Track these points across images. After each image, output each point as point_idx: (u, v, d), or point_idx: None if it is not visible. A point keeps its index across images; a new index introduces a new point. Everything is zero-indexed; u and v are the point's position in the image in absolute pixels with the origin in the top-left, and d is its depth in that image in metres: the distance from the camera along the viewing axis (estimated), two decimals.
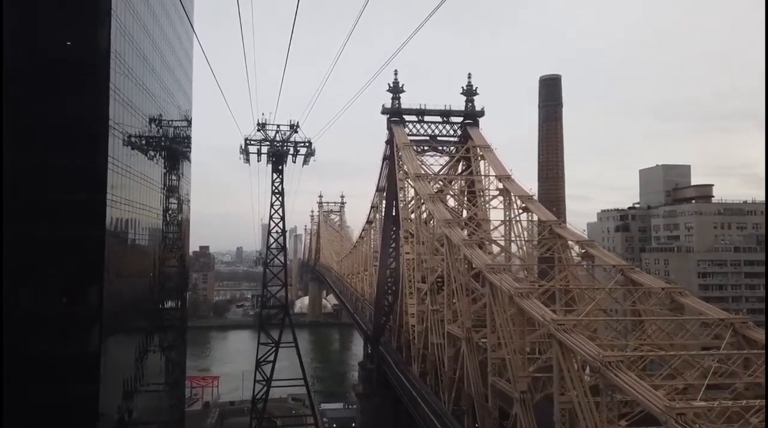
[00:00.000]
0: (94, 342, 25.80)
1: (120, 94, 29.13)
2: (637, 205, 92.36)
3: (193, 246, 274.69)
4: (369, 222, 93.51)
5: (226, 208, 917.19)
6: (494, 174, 60.61)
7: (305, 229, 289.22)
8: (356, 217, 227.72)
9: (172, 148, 49.39)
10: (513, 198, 56.54)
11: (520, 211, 54.41)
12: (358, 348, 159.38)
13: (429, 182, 58.78)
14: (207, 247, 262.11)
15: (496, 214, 62.22)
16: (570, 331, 26.74)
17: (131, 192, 32.88)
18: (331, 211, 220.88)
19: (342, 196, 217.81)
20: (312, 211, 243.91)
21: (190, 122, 58.24)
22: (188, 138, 57.98)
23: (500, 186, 58.64)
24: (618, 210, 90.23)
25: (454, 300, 45.19)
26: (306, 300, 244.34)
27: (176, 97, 49.15)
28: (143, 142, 36.39)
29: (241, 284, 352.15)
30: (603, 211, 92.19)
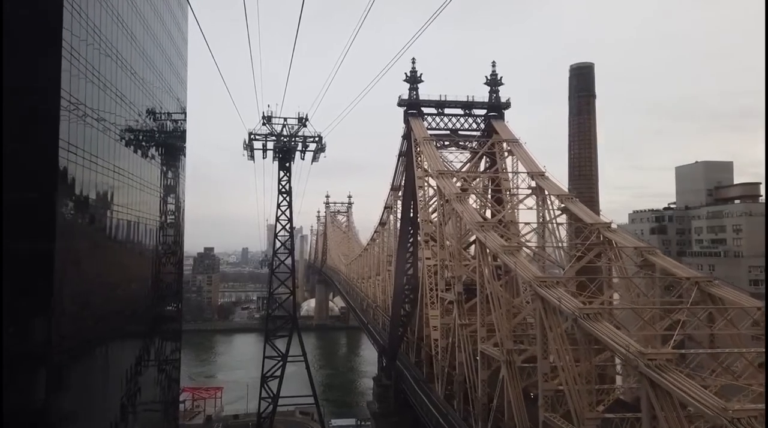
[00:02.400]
0: (38, 391, 19.74)
1: (80, 61, 22.94)
2: (672, 206, 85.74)
3: (198, 247, 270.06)
4: (382, 223, 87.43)
5: (233, 208, 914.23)
6: (525, 170, 54.69)
7: (311, 230, 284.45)
8: (362, 218, 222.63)
9: (160, 138, 42.81)
10: (549, 198, 50.59)
11: (558, 212, 48.43)
12: (366, 353, 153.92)
13: (452, 180, 52.74)
14: (212, 249, 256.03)
15: (525, 216, 56.44)
16: (664, 368, 20.73)
17: (103, 189, 27.01)
18: (338, 212, 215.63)
19: (349, 197, 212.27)
20: (318, 211, 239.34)
21: (185, 111, 51.97)
22: (182, 130, 51.74)
23: (533, 184, 52.71)
24: (653, 210, 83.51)
25: (487, 315, 39.42)
26: (313, 302, 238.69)
27: (167, 78, 42.48)
28: (120, 128, 30.21)
29: (246, 285, 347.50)
30: (635, 212, 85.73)
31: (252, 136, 59.57)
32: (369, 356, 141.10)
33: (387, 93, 65.41)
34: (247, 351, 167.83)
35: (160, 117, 41.72)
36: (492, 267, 38.54)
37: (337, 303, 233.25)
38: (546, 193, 50.70)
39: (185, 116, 52.01)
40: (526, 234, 47.62)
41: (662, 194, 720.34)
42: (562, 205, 46.99)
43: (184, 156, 52.37)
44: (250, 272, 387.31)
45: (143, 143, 36.61)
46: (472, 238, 53.92)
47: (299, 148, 61.58)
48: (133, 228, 34.29)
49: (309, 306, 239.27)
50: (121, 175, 30.66)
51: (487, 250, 38.35)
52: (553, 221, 48.14)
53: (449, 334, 50.23)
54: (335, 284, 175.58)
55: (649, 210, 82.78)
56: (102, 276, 28.72)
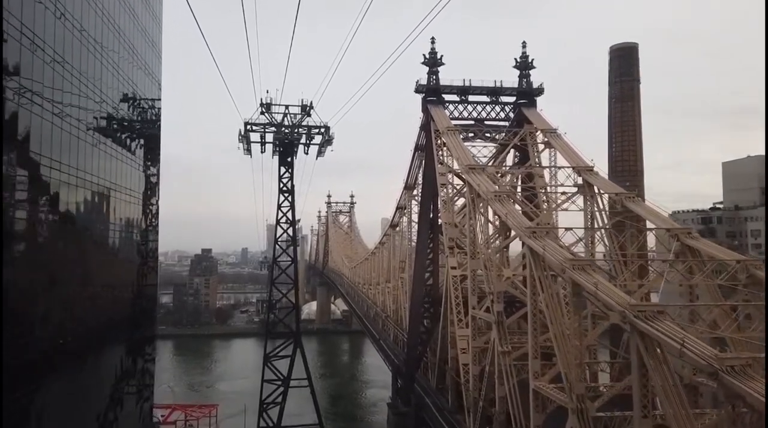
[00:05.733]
0: None
1: None
2: (719, 205, 77.51)
3: (196, 248, 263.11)
4: (393, 225, 79.42)
5: (232, 208, 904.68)
6: (567, 165, 46.81)
7: (311, 230, 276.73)
8: (362, 219, 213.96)
9: (122, 123, 33.88)
10: (599, 197, 42.72)
11: (613, 214, 40.52)
12: (371, 359, 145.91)
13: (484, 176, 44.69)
14: (209, 250, 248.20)
15: (564, 220, 48.52)
16: None
17: (37, 187, 19.37)
18: (340, 212, 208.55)
19: (351, 196, 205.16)
20: (319, 211, 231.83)
21: (159, 84, 42.92)
22: (156, 114, 42.65)
23: (579, 180, 44.82)
24: (698, 210, 75.01)
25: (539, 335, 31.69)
26: (314, 305, 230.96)
27: (128, 37, 33.20)
28: (58, 105, 22.17)
29: (245, 286, 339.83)
30: (676, 213, 77.22)
31: (248, 127, 51.55)
32: (374, 362, 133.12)
33: (392, 90, 57.73)
34: (247, 357, 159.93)
35: (120, 92, 33.16)
36: (547, 282, 30.71)
37: (339, 306, 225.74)
38: (597, 190, 42.88)
39: (159, 95, 42.87)
40: (577, 241, 39.41)
41: (664, 193, 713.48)
42: (621, 207, 39.01)
43: (159, 147, 43.89)
44: (250, 273, 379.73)
45: (95, 128, 28.28)
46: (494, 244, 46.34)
47: (303, 140, 53.58)
48: (77, 234, 26.41)
49: (310, 309, 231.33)
50: (51, 167, 22.56)
51: (542, 263, 30.49)
52: (608, 226, 40.21)
53: (482, 358, 42.50)
54: (338, 288, 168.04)
55: (693, 210, 74.55)
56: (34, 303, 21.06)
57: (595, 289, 24.21)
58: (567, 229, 34.35)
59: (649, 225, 41.90)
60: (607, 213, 40.76)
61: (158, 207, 43.69)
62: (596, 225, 42.57)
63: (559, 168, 46.70)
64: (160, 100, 43.42)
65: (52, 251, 24.15)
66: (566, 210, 43.40)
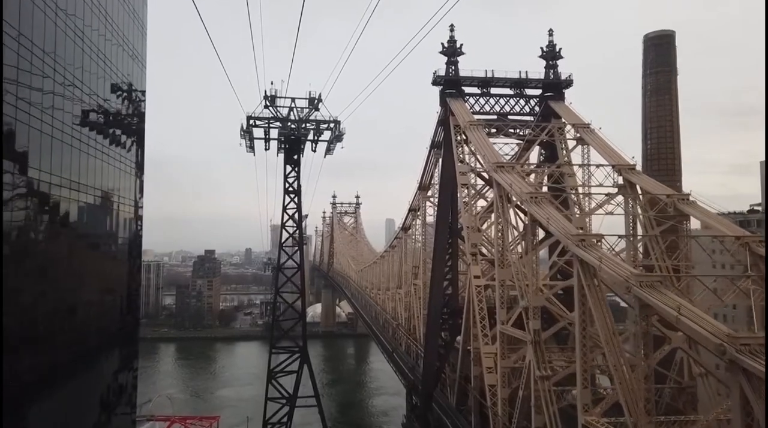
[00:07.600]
0: None
1: None
2: (757, 208, 72.27)
3: (199, 249, 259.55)
4: (405, 228, 74.80)
5: (237, 208, 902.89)
6: (604, 163, 42.15)
7: (316, 230, 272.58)
8: (366, 219, 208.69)
9: (91, 104, 28.65)
10: (641, 198, 38.08)
11: (662, 219, 35.84)
12: (378, 365, 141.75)
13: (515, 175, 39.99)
14: (213, 251, 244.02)
15: (596, 224, 43.84)
16: None
17: None
18: (345, 213, 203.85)
19: (357, 197, 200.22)
20: (324, 212, 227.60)
21: (143, 65, 37.74)
22: (139, 102, 37.33)
23: (619, 180, 40.16)
24: (735, 213, 69.92)
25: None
26: (318, 307, 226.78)
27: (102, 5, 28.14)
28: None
29: (249, 288, 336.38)
30: None
31: (251, 121, 47.09)
32: (381, 367, 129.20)
33: (396, 90, 53.27)
34: (251, 362, 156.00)
35: (89, 70, 28.22)
36: (600, 298, 26.15)
37: (344, 309, 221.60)
38: (640, 191, 38.20)
39: (143, 78, 37.61)
40: (622, 250, 34.73)
41: None
42: (675, 211, 34.29)
43: (143, 138, 38.86)
44: (254, 273, 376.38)
45: (51, 111, 23.48)
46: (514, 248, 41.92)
47: (310, 136, 49.08)
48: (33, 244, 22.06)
49: (315, 311, 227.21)
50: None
51: (594, 277, 25.93)
52: (657, 233, 35.51)
53: (512, 379, 37.95)
54: (343, 291, 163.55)
55: (729, 213, 69.58)
56: None
57: (677, 314, 19.55)
58: (620, 237, 29.59)
59: (695, 226, 37.48)
60: (651, 217, 36.01)
61: (141, 209, 38.94)
62: (639, 231, 37.99)
63: (598, 166, 41.89)
64: (144, 91, 38.57)
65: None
66: (611, 213, 38.45)
